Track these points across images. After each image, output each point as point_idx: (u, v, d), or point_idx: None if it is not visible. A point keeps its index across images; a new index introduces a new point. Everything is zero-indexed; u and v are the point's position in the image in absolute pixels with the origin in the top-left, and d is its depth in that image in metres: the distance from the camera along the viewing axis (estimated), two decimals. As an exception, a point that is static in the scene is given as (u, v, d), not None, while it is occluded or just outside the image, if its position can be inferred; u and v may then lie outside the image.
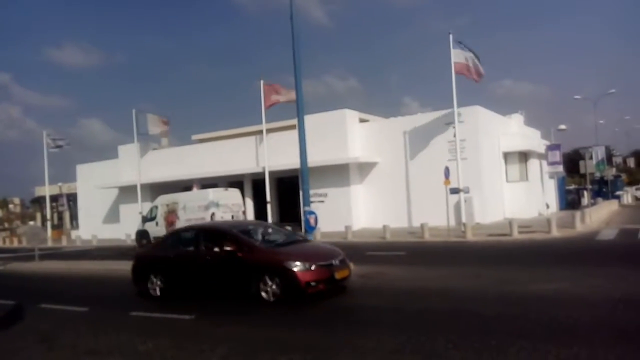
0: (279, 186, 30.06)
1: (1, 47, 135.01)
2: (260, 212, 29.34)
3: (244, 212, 25.24)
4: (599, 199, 35.19)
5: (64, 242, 34.69)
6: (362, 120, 28.99)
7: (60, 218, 47.93)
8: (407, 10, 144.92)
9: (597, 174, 43.66)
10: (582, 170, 33.83)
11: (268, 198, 27.71)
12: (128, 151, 34.56)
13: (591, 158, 39.16)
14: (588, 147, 42.28)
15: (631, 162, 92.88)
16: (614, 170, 53.48)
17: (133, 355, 6.61)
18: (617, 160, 67.16)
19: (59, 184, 46.56)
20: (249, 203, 30.33)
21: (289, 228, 13.40)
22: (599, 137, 51.68)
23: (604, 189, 43.12)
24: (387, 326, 7.10)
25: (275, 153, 27.60)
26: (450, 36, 21.97)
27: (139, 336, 7.45)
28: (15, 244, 37.70)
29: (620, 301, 7.79)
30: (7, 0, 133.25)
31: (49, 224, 39.75)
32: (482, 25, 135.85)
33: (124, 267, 17.14)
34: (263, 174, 27.87)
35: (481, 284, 9.97)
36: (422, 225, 20.33)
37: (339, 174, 26.88)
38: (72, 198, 43.56)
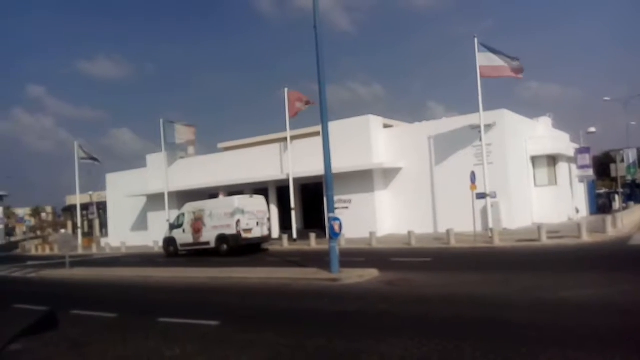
0: (303, 193, 30.13)
1: (37, 60, 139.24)
2: (285, 219, 29.47)
3: (269, 219, 25.37)
4: (631, 203, 34.26)
5: (94, 250, 35.41)
6: (386, 126, 28.88)
7: (91, 226, 48.94)
8: (430, 15, 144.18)
9: (629, 178, 42.43)
10: (613, 174, 32.93)
11: (292, 204, 27.81)
12: (156, 160, 35.16)
13: (622, 161, 38.06)
14: (619, 150, 41.14)
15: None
16: (646, 173, 51.87)
17: (161, 361, 6.68)
18: (650, 162, 65.11)
19: (90, 192, 47.62)
20: (274, 210, 30.48)
21: None
22: (631, 139, 50.51)
23: (636, 193, 41.90)
24: (414, 333, 7.02)
25: (299, 160, 27.72)
26: (475, 39, 21.73)
27: (166, 342, 7.54)
28: (48, 252, 38.63)
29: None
30: (41, 15, 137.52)
31: (79, 231, 40.65)
32: (507, 28, 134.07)
33: (152, 273, 17.50)
34: (287, 180, 27.99)
35: (510, 291, 9.80)
36: (447, 231, 20.08)
37: (363, 179, 26.79)
38: (102, 206, 44.48)
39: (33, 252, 41.00)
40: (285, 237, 26.06)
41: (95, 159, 39.13)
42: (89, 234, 46.35)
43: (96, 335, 8.59)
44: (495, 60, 21.78)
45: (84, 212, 45.78)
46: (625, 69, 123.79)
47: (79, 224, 41.78)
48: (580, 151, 28.20)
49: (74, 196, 41.43)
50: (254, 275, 14.62)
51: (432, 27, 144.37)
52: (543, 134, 29.78)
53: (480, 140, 22.31)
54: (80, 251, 34.31)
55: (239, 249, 22.75)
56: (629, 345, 5.91)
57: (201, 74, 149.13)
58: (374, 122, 27.82)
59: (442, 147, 25.89)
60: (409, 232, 21.19)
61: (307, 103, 27.62)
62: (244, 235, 22.86)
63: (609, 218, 20.02)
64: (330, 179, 14.04)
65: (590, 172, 27.25)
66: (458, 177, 23.33)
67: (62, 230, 50.69)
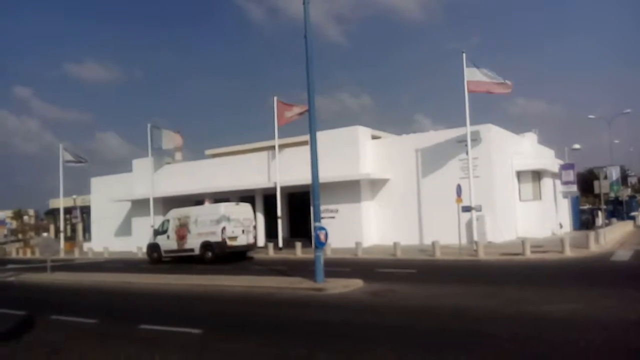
0: (290, 201, 30.08)
1: (23, 62, 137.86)
2: (271, 227, 29.38)
3: (255, 227, 25.26)
4: (614, 220, 34.71)
5: (76, 254, 34.94)
6: (374, 137, 29.03)
7: (74, 230, 48.29)
8: (420, 29, 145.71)
9: (612, 194, 43.06)
10: (596, 190, 33.42)
11: (279, 213, 27.74)
12: (142, 165, 34.90)
13: (605, 178, 38.58)
14: (602, 167, 41.76)
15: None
16: (629, 191, 52.68)
17: (141, 368, 6.59)
18: (632, 180, 66.25)
19: (74, 196, 47.04)
20: (260, 218, 30.37)
21: None
22: (614, 157, 51.30)
23: (618, 210, 42.53)
24: (397, 345, 7.01)
25: (287, 168, 27.70)
26: (464, 55, 22.02)
27: (147, 350, 7.44)
28: (29, 255, 38.02)
29: (634, 323, 7.65)
30: (31, 17, 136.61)
31: (62, 235, 40.10)
32: (496, 44, 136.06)
33: (135, 279, 17.30)
34: (274, 189, 27.94)
35: (494, 304, 9.85)
36: (433, 243, 20.17)
37: (350, 190, 26.84)
38: (85, 210, 43.97)
39: (14, 255, 40.30)
40: (271, 245, 25.96)
41: (82, 160, 38.74)
42: (71, 238, 45.70)
43: (75, 341, 8.44)
44: (483, 76, 22.08)
45: (67, 216, 45.20)
46: (611, 88, 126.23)
47: (62, 228, 41.21)
48: (564, 167, 28.58)
49: (58, 199, 40.92)
50: (238, 284, 14.52)
51: (422, 41, 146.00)
52: (528, 150, 30.15)
53: (467, 153, 22.52)
54: (62, 255, 33.83)
55: (223, 256, 22.59)
56: (608, 359, 5.97)
57: (191, 81, 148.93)
58: (362, 133, 27.95)
59: (429, 159, 26.07)
60: (395, 243, 21.24)
61: (301, 114, 27.33)
62: (229, 242, 22.72)
63: (592, 234, 20.26)
64: (317, 188, 14.05)
65: (574, 188, 27.61)
66: (444, 189, 23.47)
67: (44, 234, 49.98)
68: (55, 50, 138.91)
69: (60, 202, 39.85)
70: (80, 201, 46.19)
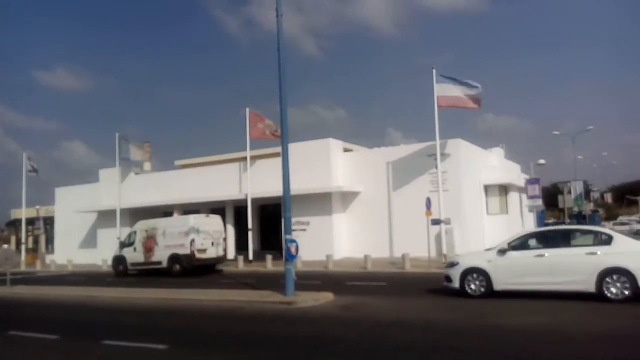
0: (261, 214, 29.89)
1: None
2: (241, 240, 29.07)
3: (225, 239, 24.96)
4: (578, 234, 35.56)
5: (38, 267, 33.81)
6: (346, 150, 29.19)
7: (36, 242, 46.78)
8: (394, 45, 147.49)
9: (576, 209, 44.33)
10: (561, 205, 34.43)
11: (250, 225, 27.51)
12: (109, 175, 34.15)
13: (570, 193, 39.79)
14: (567, 182, 43.01)
15: (609, 198, 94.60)
16: (592, 206, 54.38)
17: (103, 386, 6.38)
18: (595, 195, 68.54)
19: (37, 207, 45.65)
20: (231, 230, 30.03)
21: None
22: (578, 172, 52.77)
23: (582, 224, 43.78)
24: (367, 359, 6.99)
25: (258, 180, 27.54)
26: (434, 71, 22.42)
27: (111, 366, 7.21)
28: (-13, 268, 36.58)
29: (599, 336, 7.82)
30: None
31: (23, 247, 38.77)
32: (467, 60, 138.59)
33: (99, 293, 16.81)
34: (245, 201, 27.71)
35: (461, 317, 9.96)
36: (403, 256, 20.30)
37: (322, 202, 26.85)
38: (49, 222, 42.66)
39: (-29, 268, 38.66)
40: (241, 258, 25.68)
41: (34, 171, 37.40)
42: (34, 251, 44.26)
43: (36, 358, 8.14)
44: (454, 91, 22.45)
45: (30, 227, 43.77)
46: (576, 105, 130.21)
47: (24, 240, 39.85)
48: (530, 182, 29.17)
49: (20, 210, 39.56)
50: (206, 298, 14.27)
51: (395, 57, 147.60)
52: (496, 164, 30.80)
53: (437, 168, 22.85)
54: (23, 268, 32.72)
55: (192, 269, 22.21)
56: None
57: (163, 90, 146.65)
58: (334, 145, 28.07)
59: (399, 173, 26.33)
60: (366, 256, 21.29)
61: (275, 134, 27.00)
62: (198, 255, 22.36)
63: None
64: (289, 201, 14.00)
65: (539, 202, 28.18)
66: (414, 203, 23.69)
67: (5, 246, 48.12)
68: (24, 57, 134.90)
69: (23, 213, 38.52)
70: (44, 212, 44.81)
